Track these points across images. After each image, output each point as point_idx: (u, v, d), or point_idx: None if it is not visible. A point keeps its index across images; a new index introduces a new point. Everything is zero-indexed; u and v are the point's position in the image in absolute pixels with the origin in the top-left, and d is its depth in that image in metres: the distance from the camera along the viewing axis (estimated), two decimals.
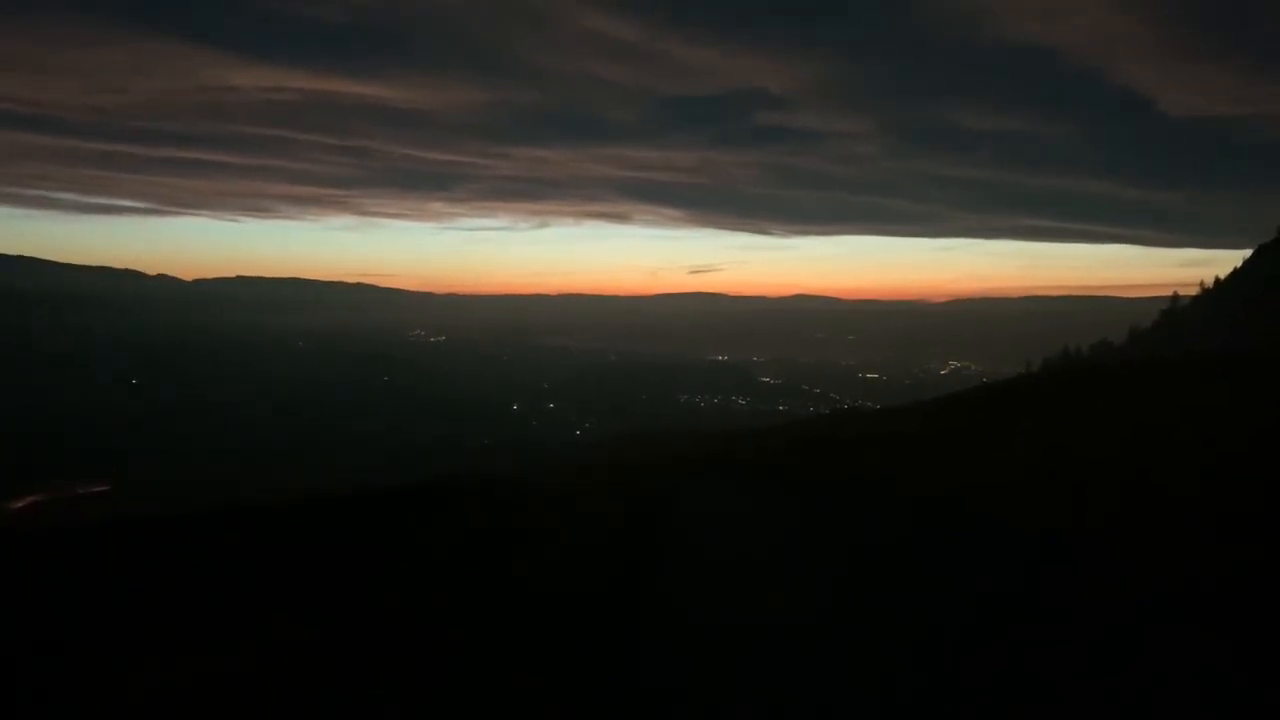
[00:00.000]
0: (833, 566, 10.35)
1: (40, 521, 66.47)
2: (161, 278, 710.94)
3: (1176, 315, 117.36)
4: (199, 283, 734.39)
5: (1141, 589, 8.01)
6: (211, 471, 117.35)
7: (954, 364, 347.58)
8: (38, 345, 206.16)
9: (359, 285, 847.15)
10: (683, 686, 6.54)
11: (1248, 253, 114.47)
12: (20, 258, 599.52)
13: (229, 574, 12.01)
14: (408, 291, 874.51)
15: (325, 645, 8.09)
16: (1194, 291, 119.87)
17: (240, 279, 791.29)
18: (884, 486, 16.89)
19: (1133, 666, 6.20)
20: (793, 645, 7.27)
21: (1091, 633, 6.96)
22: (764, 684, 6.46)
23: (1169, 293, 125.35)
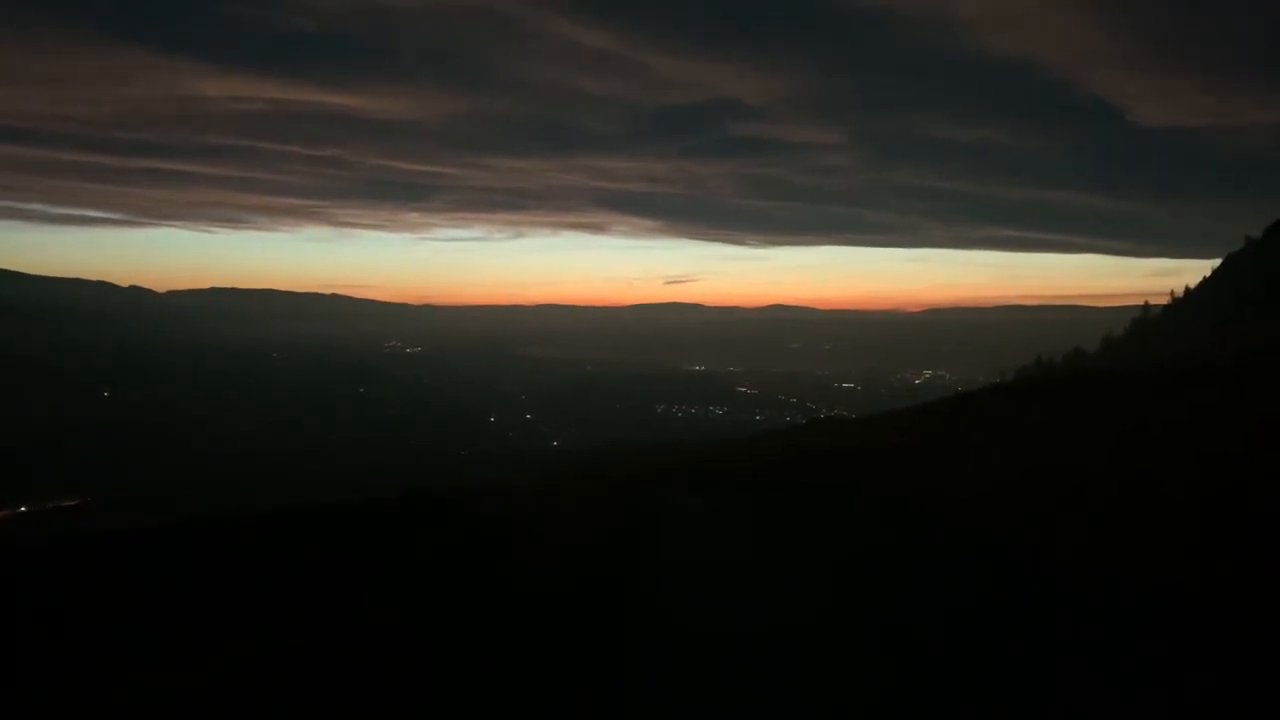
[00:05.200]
0: (812, 574, 10.42)
1: (11, 536, 65.62)
2: (134, 289, 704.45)
3: (1148, 324, 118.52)
4: (172, 294, 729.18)
5: (1119, 594, 8.12)
6: (186, 484, 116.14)
7: (929, 373, 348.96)
8: (7, 357, 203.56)
9: (334, 296, 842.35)
10: (675, 690, 6.59)
11: (1217, 262, 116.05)
12: None
13: (207, 587, 11.95)
14: (383, 303, 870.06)
15: (310, 657, 8.08)
16: (1165, 300, 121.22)
17: (214, 290, 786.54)
18: (860, 495, 16.99)
19: (1115, 671, 6.28)
20: (777, 650, 7.33)
21: (1071, 638, 7.05)
22: (754, 688, 6.52)
23: (1140, 302, 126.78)
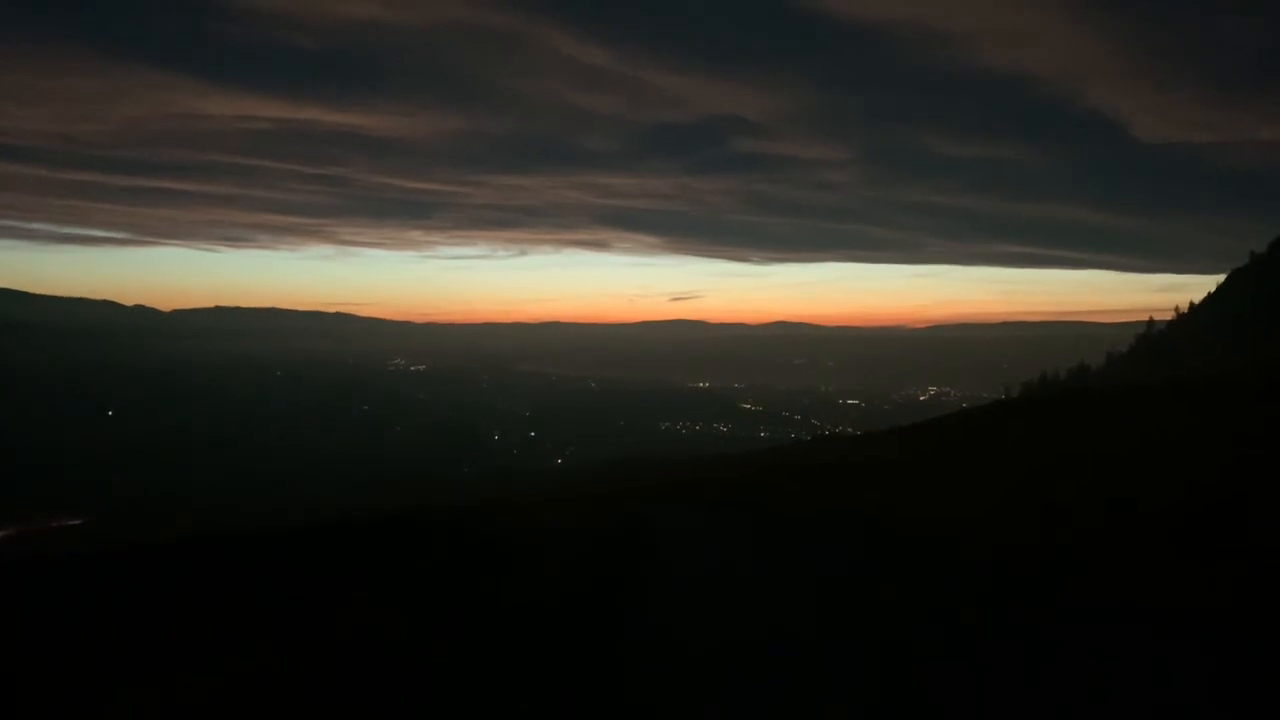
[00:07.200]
0: (808, 591, 10.39)
1: (13, 553, 65.69)
2: (139, 308, 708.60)
3: (1152, 340, 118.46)
4: (176, 313, 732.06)
5: (1118, 614, 8.09)
6: (190, 501, 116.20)
7: (933, 389, 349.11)
8: (13, 376, 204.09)
9: (338, 314, 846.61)
10: (671, 702, 6.59)
11: (1221, 277, 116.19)
12: None
13: (207, 602, 11.96)
14: (387, 320, 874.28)
15: (309, 672, 8.07)
16: (1170, 316, 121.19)
17: (218, 309, 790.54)
18: (863, 512, 16.97)
19: (1108, 692, 6.25)
20: (770, 666, 7.32)
21: (1067, 656, 7.03)
22: (743, 700, 6.51)
23: (1145, 317, 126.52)
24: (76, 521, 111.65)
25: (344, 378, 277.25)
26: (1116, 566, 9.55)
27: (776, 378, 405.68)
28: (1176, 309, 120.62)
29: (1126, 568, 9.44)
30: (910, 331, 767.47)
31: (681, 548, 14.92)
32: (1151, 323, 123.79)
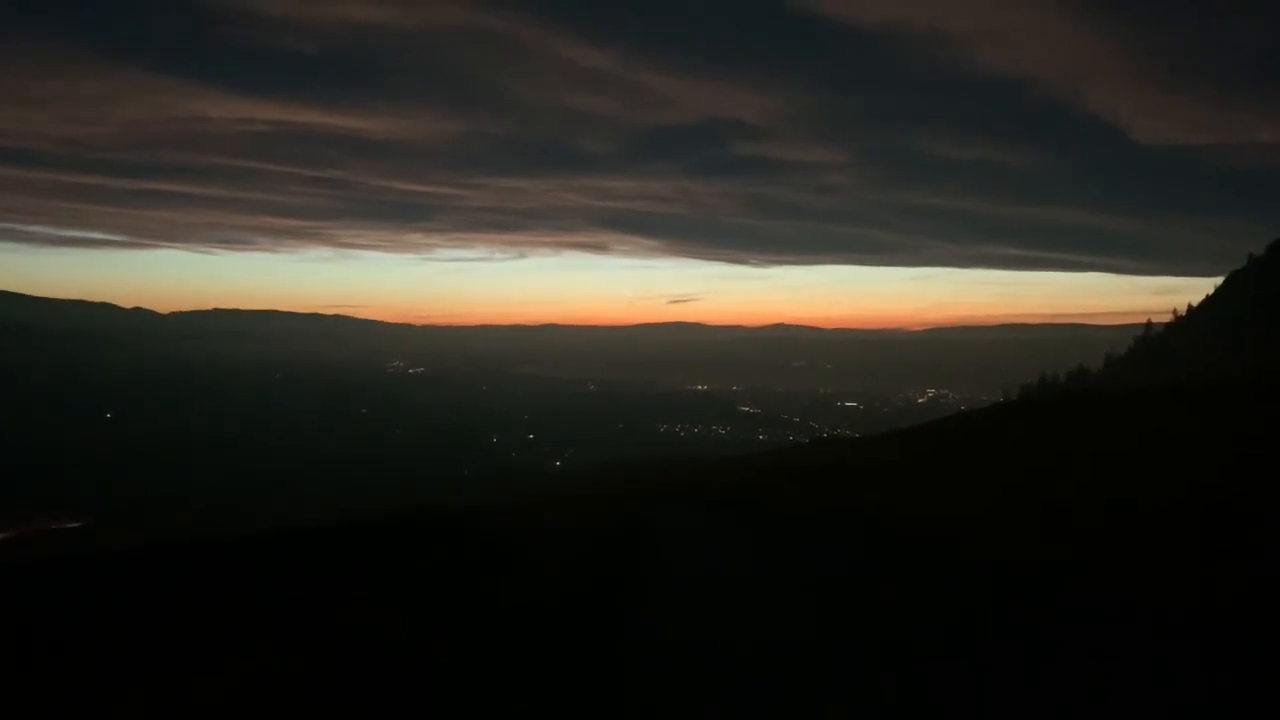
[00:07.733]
0: (809, 591, 10.38)
1: (13, 555, 65.60)
2: (137, 311, 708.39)
3: (1151, 342, 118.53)
4: (175, 315, 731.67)
5: (1118, 614, 8.09)
6: (189, 502, 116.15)
7: (932, 392, 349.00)
8: (11, 379, 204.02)
9: (337, 317, 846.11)
10: (665, 701, 6.59)
11: (1220, 280, 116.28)
12: None
13: (208, 602, 11.95)
14: (386, 323, 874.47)
15: (309, 670, 8.07)
16: (1168, 318, 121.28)
17: (217, 311, 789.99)
18: (862, 513, 16.97)
19: (1108, 692, 6.25)
20: (769, 664, 7.32)
21: (1067, 656, 7.03)
22: (743, 700, 6.52)
23: (1143, 320, 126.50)
24: (75, 524, 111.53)
25: (343, 380, 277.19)
26: (1116, 566, 9.55)
27: (775, 380, 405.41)
28: (1174, 312, 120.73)
29: (1126, 568, 9.43)
30: (909, 334, 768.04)
31: (681, 548, 14.92)
32: (1150, 325, 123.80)
